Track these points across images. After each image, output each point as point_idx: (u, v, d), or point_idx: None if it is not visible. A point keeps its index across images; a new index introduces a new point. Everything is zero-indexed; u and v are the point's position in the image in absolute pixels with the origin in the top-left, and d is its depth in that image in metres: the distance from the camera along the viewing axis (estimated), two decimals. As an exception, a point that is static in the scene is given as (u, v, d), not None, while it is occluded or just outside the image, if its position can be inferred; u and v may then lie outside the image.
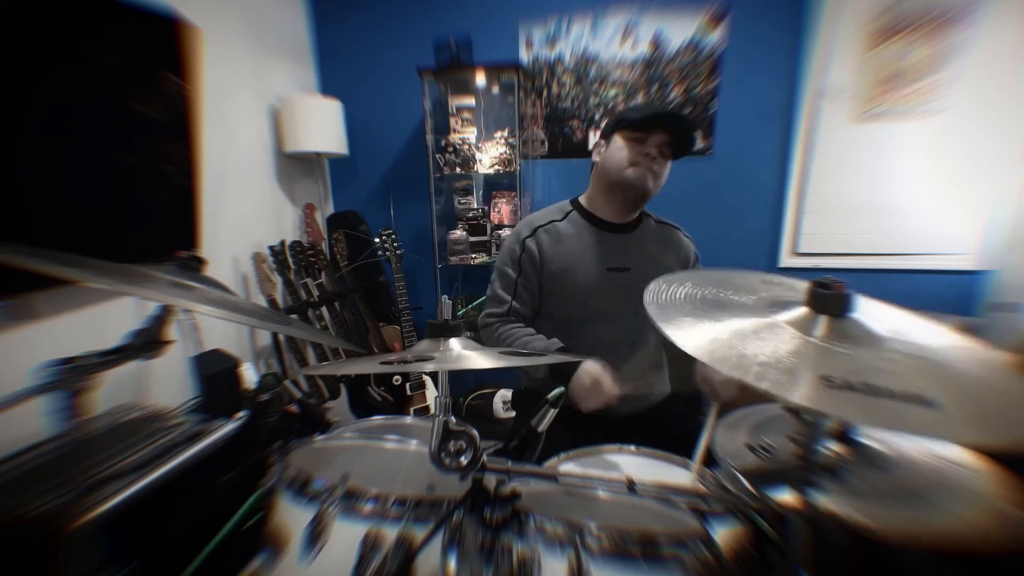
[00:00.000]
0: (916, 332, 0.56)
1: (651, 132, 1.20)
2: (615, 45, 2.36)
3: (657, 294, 0.63)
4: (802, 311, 0.55)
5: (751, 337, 0.51)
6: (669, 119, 1.20)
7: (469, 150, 2.44)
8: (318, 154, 2.41)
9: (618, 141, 1.24)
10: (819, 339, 0.51)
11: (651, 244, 1.33)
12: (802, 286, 0.59)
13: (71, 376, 0.64)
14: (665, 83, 2.37)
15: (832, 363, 0.47)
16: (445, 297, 2.49)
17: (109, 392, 1.37)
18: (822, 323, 0.53)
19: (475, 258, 2.47)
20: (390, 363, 0.69)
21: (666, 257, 1.33)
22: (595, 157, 1.32)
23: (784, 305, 0.57)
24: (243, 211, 2.13)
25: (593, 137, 2.49)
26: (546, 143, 2.54)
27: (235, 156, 2.07)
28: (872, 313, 0.56)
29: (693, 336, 0.51)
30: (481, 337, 1.34)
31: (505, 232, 2.45)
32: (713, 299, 0.61)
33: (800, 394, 0.43)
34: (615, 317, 1.27)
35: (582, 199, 1.36)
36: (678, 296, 0.62)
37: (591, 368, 1.11)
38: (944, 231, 2.23)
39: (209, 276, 0.82)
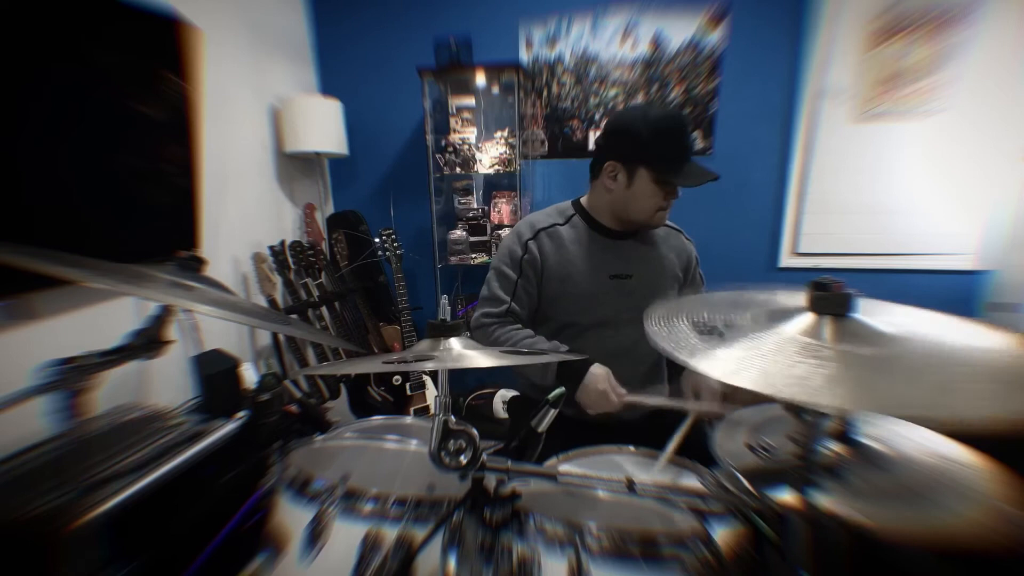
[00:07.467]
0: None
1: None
2: (615, 45, 2.36)
3: (664, 329, 0.60)
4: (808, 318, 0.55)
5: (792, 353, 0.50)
6: (700, 174, 1.14)
7: (469, 150, 2.44)
8: (318, 154, 2.41)
9: (647, 183, 1.15)
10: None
11: (654, 249, 1.30)
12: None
13: (71, 376, 0.64)
14: (665, 83, 2.37)
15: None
16: (445, 297, 2.49)
17: (109, 392, 1.37)
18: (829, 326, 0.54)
19: (475, 258, 2.47)
20: (390, 363, 0.69)
21: (668, 262, 1.31)
22: (608, 183, 1.21)
23: (785, 314, 0.57)
24: (243, 211, 2.13)
25: (593, 137, 2.49)
26: (546, 143, 2.54)
27: (235, 156, 2.07)
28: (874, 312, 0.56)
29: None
30: (474, 337, 1.32)
31: (505, 232, 2.45)
32: (726, 323, 0.60)
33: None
34: (616, 324, 1.25)
35: (584, 201, 1.31)
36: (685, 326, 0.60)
37: (598, 376, 1.12)
38: (944, 231, 2.23)
39: (209, 276, 0.82)
